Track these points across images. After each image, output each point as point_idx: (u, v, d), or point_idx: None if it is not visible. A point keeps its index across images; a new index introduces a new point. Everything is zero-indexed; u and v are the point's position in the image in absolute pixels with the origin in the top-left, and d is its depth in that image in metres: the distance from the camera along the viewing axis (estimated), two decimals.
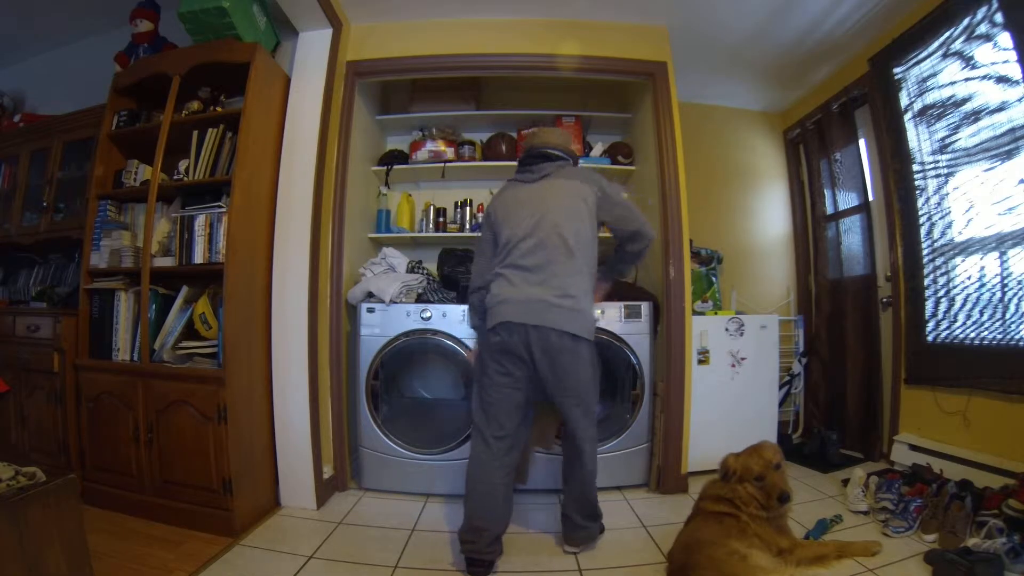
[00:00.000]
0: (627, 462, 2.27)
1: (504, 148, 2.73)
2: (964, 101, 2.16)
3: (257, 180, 2.05)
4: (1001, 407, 1.98)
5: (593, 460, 1.67)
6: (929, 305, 2.36)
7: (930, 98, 2.32)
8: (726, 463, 1.62)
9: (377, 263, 2.49)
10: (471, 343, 2.09)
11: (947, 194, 2.28)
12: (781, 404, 2.85)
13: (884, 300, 2.68)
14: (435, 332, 2.21)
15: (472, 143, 2.81)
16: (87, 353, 2.11)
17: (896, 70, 2.47)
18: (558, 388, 1.58)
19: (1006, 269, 2.02)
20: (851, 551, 1.62)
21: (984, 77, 2.07)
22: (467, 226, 2.73)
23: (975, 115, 2.11)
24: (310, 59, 2.24)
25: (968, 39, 2.11)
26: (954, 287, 2.24)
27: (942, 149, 2.28)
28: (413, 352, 2.31)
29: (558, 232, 1.57)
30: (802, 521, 1.89)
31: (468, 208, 2.76)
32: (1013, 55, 1.92)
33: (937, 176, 2.31)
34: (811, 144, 3.20)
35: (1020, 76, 1.90)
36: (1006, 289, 2.02)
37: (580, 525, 1.71)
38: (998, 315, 2.04)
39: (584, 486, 1.68)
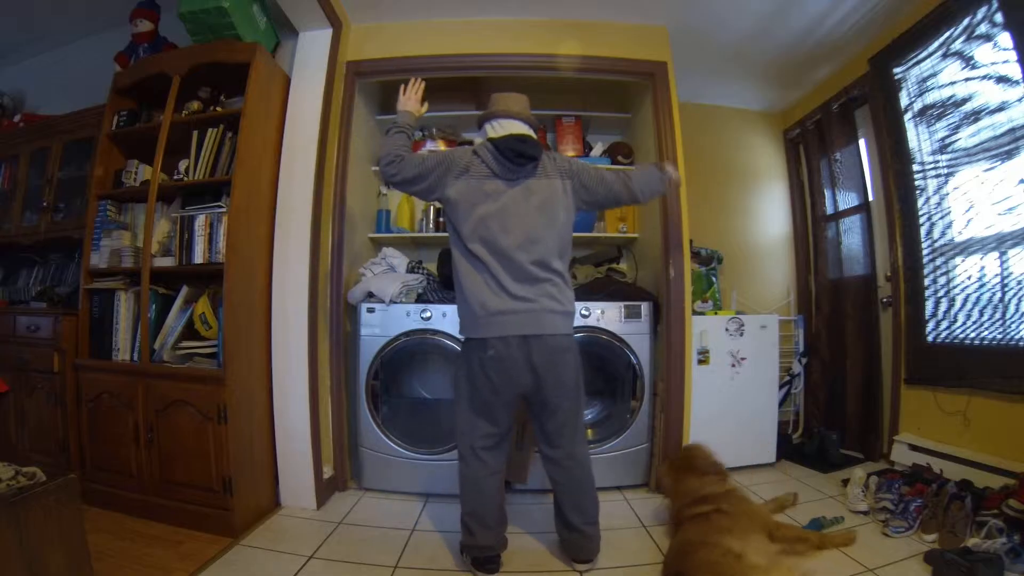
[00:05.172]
0: (627, 462, 2.27)
1: None
2: (964, 101, 2.16)
3: (257, 180, 2.05)
4: (1001, 407, 1.98)
5: (588, 458, 1.65)
6: (929, 305, 2.36)
7: (930, 98, 2.32)
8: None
9: (377, 263, 2.49)
10: None
11: (947, 194, 2.28)
12: (781, 404, 2.85)
13: (884, 300, 2.68)
14: (435, 332, 2.21)
15: (472, 143, 2.80)
16: (87, 353, 2.11)
17: (896, 70, 2.47)
18: (554, 389, 1.53)
19: (1006, 269, 2.02)
20: (832, 542, 1.68)
21: (984, 77, 2.07)
22: None
23: (975, 115, 2.11)
24: (310, 59, 2.24)
25: (968, 39, 2.11)
26: (954, 287, 2.24)
27: (942, 149, 2.28)
28: (413, 352, 2.31)
29: (544, 244, 1.51)
30: (801, 521, 1.89)
31: None
32: (1013, 55, 1.92)
33: (937, 176, 2.31)
34: (811, 144, 3.20)
35: (1020, 76, 1.90)
36: (1006, 289, 2.02)
37: (590, 534, 1.61)
38: (998, 315, 2.04)
39: (588, 488, 1.63)
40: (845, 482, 2.17)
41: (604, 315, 2.25)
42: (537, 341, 1.47)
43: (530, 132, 1.57)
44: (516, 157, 1.50)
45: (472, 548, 1.59)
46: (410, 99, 1.67)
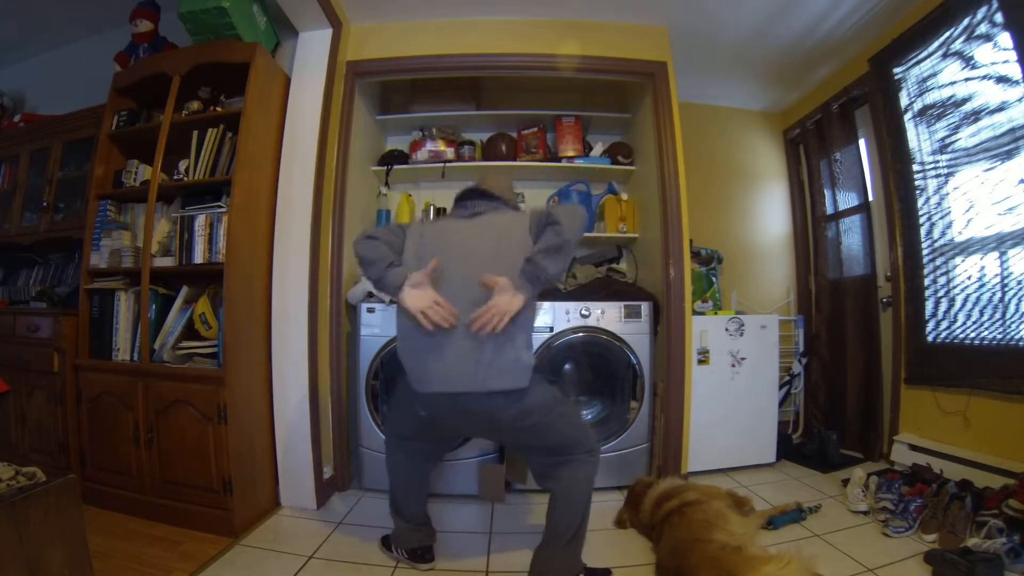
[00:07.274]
0: (627, 462, 2.27)
1: (504, 148, 2.73)
2: (964, 101, 2.16)
3: (257, 180, 2.05)
4: (1001, 407, 1.98)
5: (587, 475, 1.45)
6: (929, 305, 2.36)
7: (930, 98, 2.32)
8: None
9: None
10: None
11: (947, 194, 2.28)
12: (781, 404, 2.85)
13: (884, 300, 2.68)
14: None
15: (472, 143, 2.81)
16: (87, 353, 2.11)
17: (896, 70, 2.48)
18: (509, 433, 1.48)
19: (1006, 269, 2.02)
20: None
21: (984, 77, 2.07)
22: None
23: (975, 115, 2.11)
24: (310, 59, 2.24)
25: (968, 39, 2.11)
26: (954, 287, 2.24)
27: (942, 149, 2.28)
28: None
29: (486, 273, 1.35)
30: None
31: None
32: (1013, 55, 1.92)
33: (937, 176, 2.31)
34: (811, 144, 3.20)
35: (1020, 76, 1.90)
36: (1006, 289, 2.02)
37: (547, 554, 1.46)
38: (998, 315, 2.04)
39: (569, 504, 1.44)
40: (845, 482, 2.17)
41: (604, 315, 2.24)
42: (477, 402, 1.33)
43: (494, 193, 1.53)
44: (470, 192, 1.52)
45: (400, 544, 1.65)
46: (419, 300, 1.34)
